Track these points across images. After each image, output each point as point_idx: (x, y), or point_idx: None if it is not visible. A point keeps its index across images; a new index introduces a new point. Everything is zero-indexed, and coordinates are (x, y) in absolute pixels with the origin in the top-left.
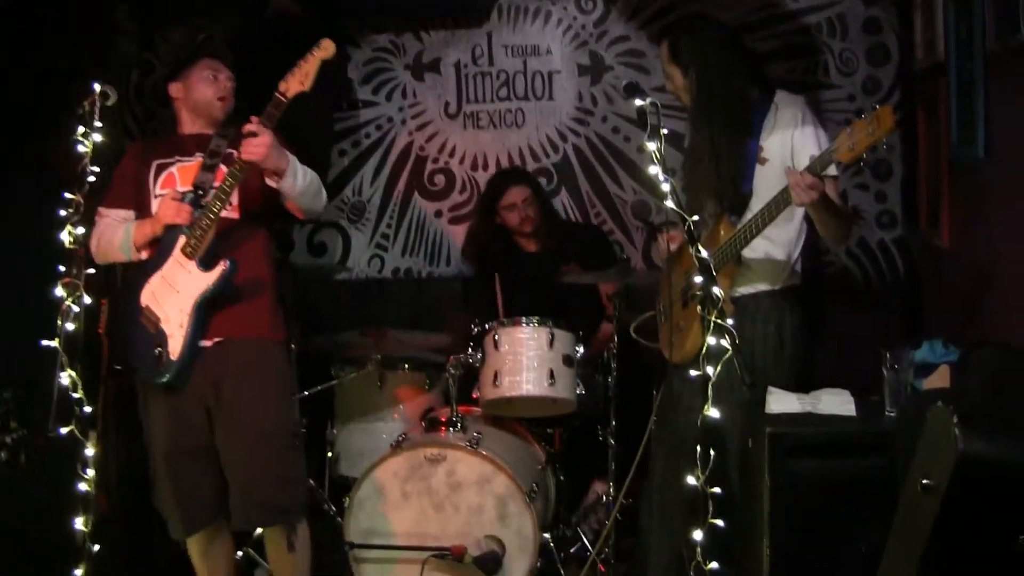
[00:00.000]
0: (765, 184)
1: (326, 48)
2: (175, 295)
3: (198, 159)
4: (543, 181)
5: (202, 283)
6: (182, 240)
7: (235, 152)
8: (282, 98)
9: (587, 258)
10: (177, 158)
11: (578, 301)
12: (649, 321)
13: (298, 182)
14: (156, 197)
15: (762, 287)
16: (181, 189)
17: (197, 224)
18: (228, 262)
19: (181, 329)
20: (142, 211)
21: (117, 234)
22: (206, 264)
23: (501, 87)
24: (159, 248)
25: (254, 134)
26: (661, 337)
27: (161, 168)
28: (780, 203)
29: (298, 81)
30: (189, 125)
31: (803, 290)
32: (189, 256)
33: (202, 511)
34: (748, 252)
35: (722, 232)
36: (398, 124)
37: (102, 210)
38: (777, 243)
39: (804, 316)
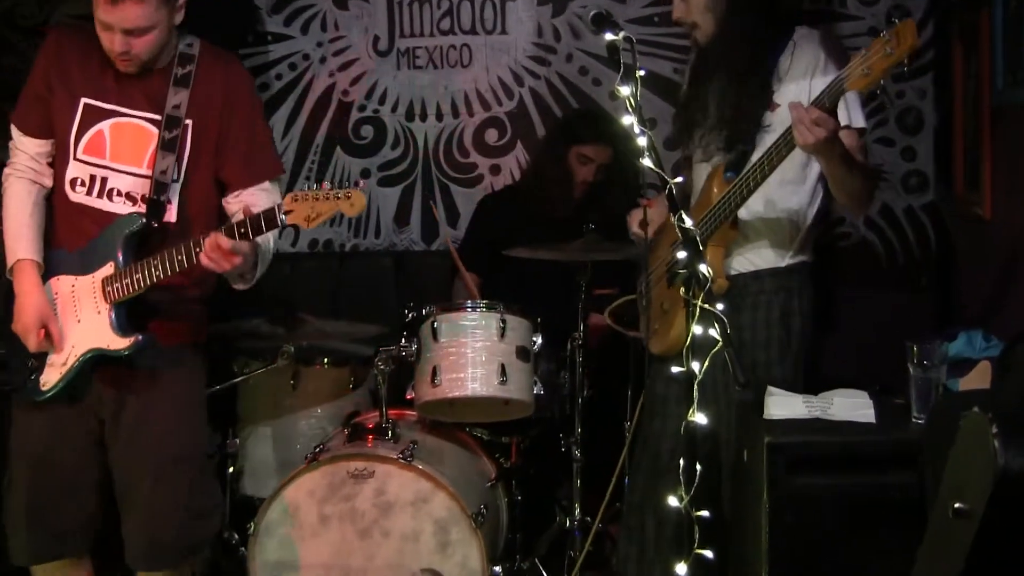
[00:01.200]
0: (773, 136)
1: (354, 204)
2: (74, 324)
3: (145, 126)
4: (493, 134)
5: (104, 339)
6: (109, 270)
7: (196, 120)
8: (278, 219)
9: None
10: (115, 107)
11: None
12: (629, 305)
13: (256, 278)
14: (77, 160)
15: (763, 264)
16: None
17: (133, 271)
18: (143, 337)
19: (62, 368)
20: (59, 153)
21: (13, 222)
22: (120, 322)
23: (443, 18)
24: (85, 249)
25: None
26: (642, 324)
27: (90, 116)
28: (783, 147)
29: (304, 217)
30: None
31: (815, 268)
32: (106, 297)
33: (53, 541)
34: (749, 220)
35: (715, 190)
36: (316, 62)
37: (14, 130)
38: (783, 209)
39: (814, 300)
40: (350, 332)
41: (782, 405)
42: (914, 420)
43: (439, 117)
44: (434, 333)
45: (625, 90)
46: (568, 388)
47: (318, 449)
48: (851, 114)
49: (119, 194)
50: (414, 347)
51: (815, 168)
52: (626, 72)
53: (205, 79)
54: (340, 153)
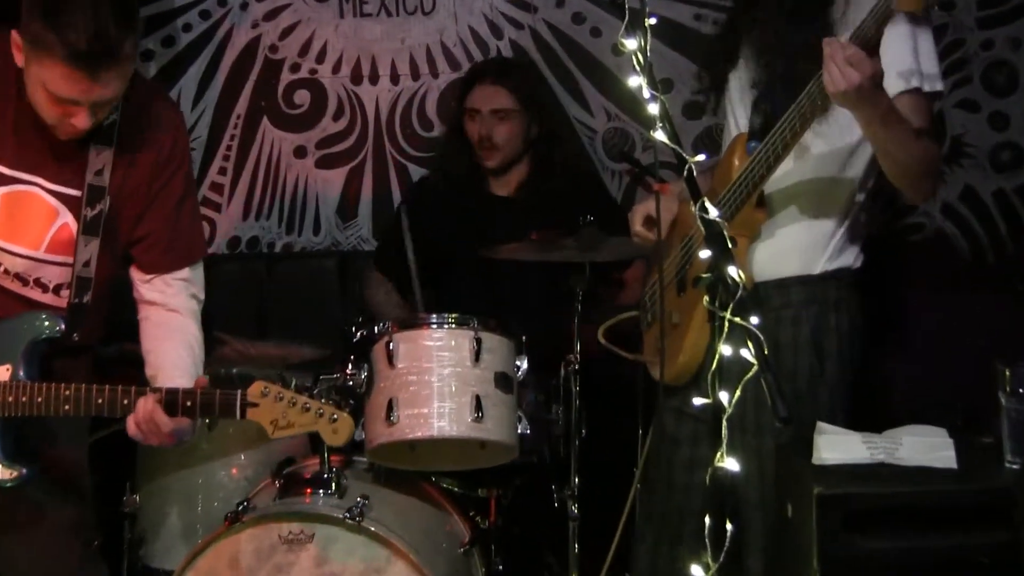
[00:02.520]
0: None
1: (338, 432)
2: None
3: (49, 201)
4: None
5: None
6: (2, 374)
7: (119, 188)
8: (236, 410)
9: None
10: (26, 176)
11: (543, 289)
12: (629, 322)
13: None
14: None
15: (790, 269)
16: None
17: (36, 392)
18: (25, 471)
19: None
20: None
21: None
22: (7, 448)
23: None
24: None
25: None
26: (646, 344)
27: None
28: (816, 98)
29: (271, 420)
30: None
31: (875, 269)
32: None
33: None
34: (773, 208)
35: (735, 163)
36: (236, 9)
37: None
38: (821, 193)
39: (863, 313)
40: (281, 356)
41: (836, 447)
42: (1007, 465)
43: (394, 79)
44: (389, 357)
45: (631, 43)
46: (562, 425)
47: (241, 507)
48: (921, 64)
49: (6, 273)
50: (364, 375)
51: (867, 146)
52: (633, 19)
53: (130, 131)
54: (267, 126)
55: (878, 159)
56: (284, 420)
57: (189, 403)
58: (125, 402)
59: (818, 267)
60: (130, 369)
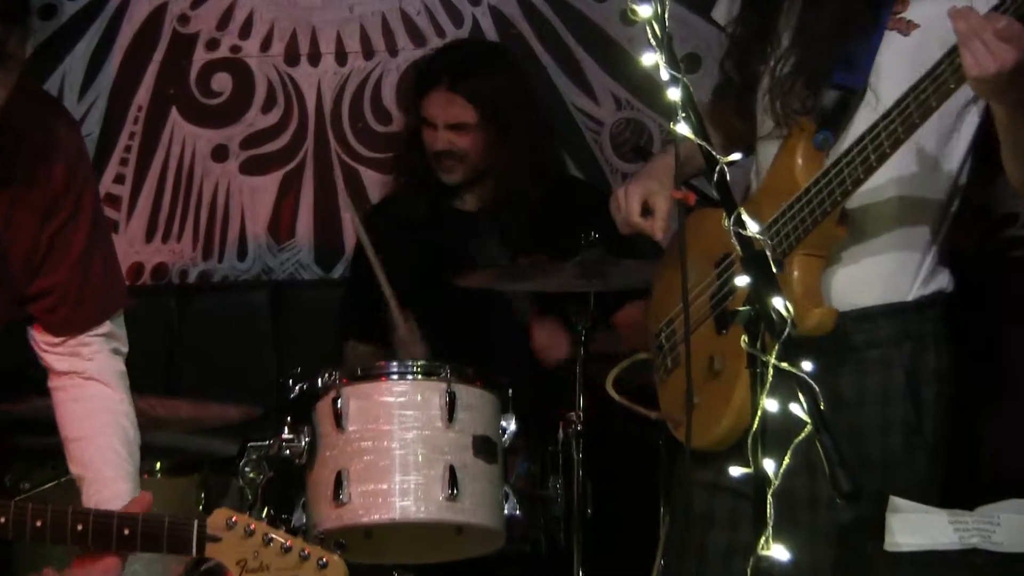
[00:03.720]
0: (895, 74)
1: None
2: None
3: None
4: None
5: None
6: None
7: (5, 215)
8: (192, 545)
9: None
10: None
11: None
12: (641, 367)
13: None
14: None
15: (876, 296)
16: None
17: None
18: None
19: None
20: None
21: None
22: None
23: None
24: None
25: None
26: (663, 397)
27: None
28: (946, 79)
29: (237, 560)
30: None
31: (961, 296)
32: None
33: None
34: (854, 220)
35: (800, 164)
36: None
37: None
38: (915, 199)
39: (956, 352)
40: (197, 417)
41: (916, 528)
42: None
43: (341, 58)
44: (337, 417)
45: (645, 9)
46: (562, 504)
47: None
48: None
49: None
50: (305, 441)
51: (968, 126)
52: None
53: (11, 158)
54: (177, 120)
55: (1009, 164)
56: (256, 561)
57: (127, 531)
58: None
59: (911, 292)
60: (45, 438)
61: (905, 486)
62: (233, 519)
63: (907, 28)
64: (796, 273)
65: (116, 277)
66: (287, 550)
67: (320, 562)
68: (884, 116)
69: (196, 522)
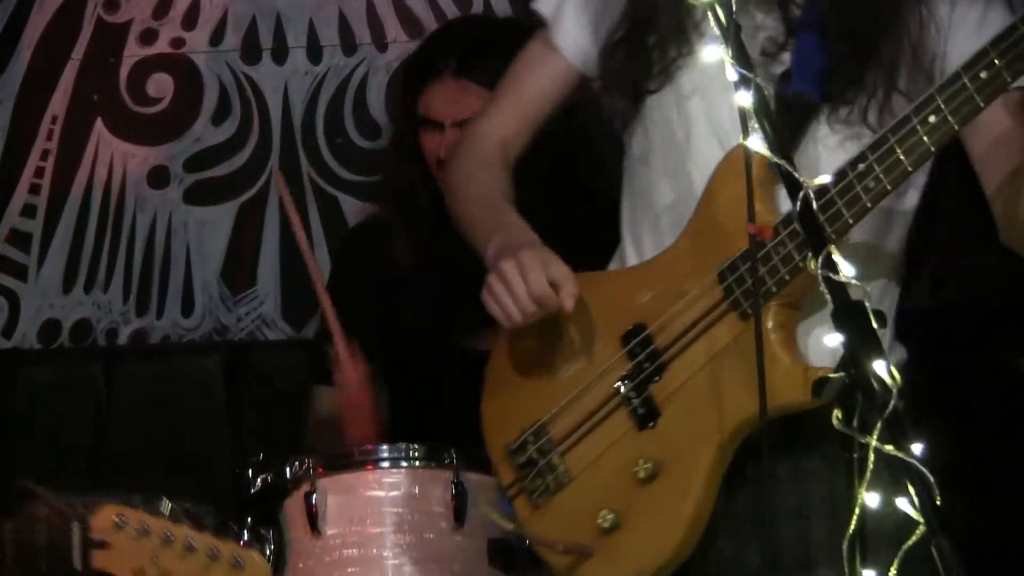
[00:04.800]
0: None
1: None
2: None
3: None
4: None
5: None
6: None
7: None
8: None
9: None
10: None
11: None
12: None
13: None
14: None
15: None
16: None
17: None
18: None
19: None
20: None
21: None
22: None
23: None
24: None
25: None
26: (546, 525)
27: None
28: (996, 75)
29: (133, 568)
30: None
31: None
32: None
33: None
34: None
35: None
36: None
37: None
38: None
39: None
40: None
41: None
42: None
43: (314, 54)
44: (312, 518)
45: None
46: None
47: None
48: None
49: None
50: (269, 549)
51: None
52: None
53: None
54: (104, 134)
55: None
56: (155, 568)
57: None
58: None
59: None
60: None
61: None
62: (122, 517)
63: None
64: (776, 331)
65: None
66: (191, 550)
67: (235, 561)
68: (917, 109)
69: (76, 526)
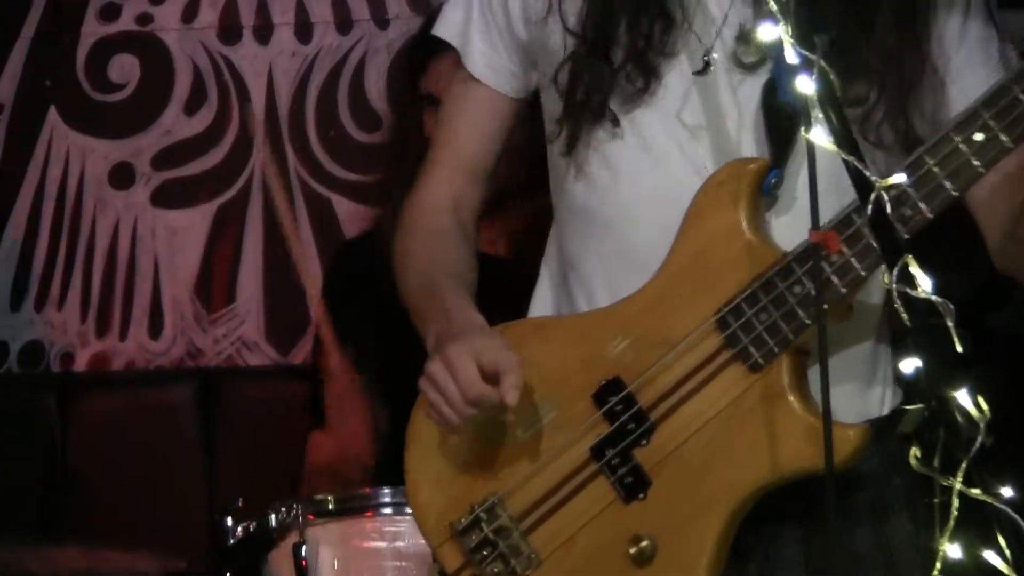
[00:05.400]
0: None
1: None
2: None
3: None
4: None
5: None
6: None
7: None
8: None
9: None
10: None
11: None
12: None
13: None
14: None
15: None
16: None
17: None
18: None
19: None
20: None
21: None
22: None
23: None
24: None
25: None
26: None
27: None
28: None
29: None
30: None
31: None
32: None
33: None
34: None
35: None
36: None
37: None
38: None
39: None
40: (90, 572)
41: None
42: None
43: (303, 32)
44: (300, 573)
45: None
46: None
47: None
48: None
49: None
50: None
51: None
52: None
53: None
54: (58, 126)
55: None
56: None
57: None
58: None
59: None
60: None
61: None
62: None
63: None
64: (793, 387)
65: None
66: None
67: None
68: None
69: None
